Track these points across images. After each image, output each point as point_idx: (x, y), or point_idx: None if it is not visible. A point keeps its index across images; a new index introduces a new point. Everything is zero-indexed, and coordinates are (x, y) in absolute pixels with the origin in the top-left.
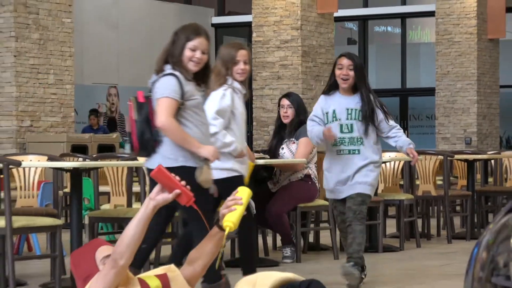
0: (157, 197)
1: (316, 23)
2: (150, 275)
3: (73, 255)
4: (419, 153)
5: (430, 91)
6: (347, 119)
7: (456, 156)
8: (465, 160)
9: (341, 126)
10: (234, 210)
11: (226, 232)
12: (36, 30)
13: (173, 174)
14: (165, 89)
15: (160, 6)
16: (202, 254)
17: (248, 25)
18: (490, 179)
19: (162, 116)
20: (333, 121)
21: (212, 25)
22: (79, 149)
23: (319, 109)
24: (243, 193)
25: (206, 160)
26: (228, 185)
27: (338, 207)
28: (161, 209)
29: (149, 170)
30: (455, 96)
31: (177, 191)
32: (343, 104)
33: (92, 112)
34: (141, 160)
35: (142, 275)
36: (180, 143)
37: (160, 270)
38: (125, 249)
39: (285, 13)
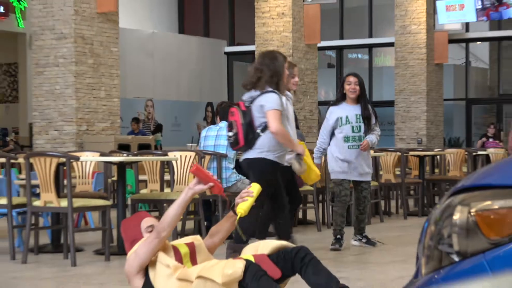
0: (195, 187)
1: (304, 51)
2: (181, 243)
3: (123, 223)
4: (383, 150)
5: (390, 103)
6: (356, 122)
7: (411, 153)
8: (417, 156)
9: (352, 127)
10: (246, 200)
11: (238, 217)
12: (91, 57)
13: (208, 171)
14: (273, 103)
15: (185, 38)
16: (221, 230)
17: (252, 53)
18: (436, 170)
19: (275, 124)
20: (346, 124)
21: (225, 53)
22: (123, 147)
23: (334, 117)
24: (255, 188)
25: (299, 155)
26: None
27: (344, 184)
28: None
29: (247, 160)
30: (410, 107)
31: (211, 183)
32: (352, 111)
33: (134, 119)
34: (170, 155)
35: (174, 242)
36: (285, 143)
37: (188, 238)
38: (167, 225)
39: (280, 44)
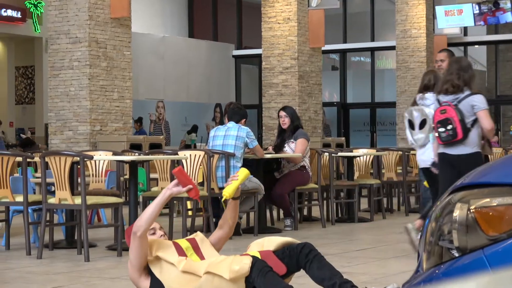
0: (173, 189)
1: (309, 54)
2: (182, 239)
3: (127, 230)
4: (385, 150)
5: (392, 104)
6: None
7: (412, 152)
8: None
9: None
10: (231, 184)
11: (223, 199)
12: (104, 60)
13: (187, 175)
14: (483, 103)
15: (195, 42)
16: (226, 220)
17: (259, 56)
18: None
19: (489, 122)
20: None
21: (233, 56)
22: (135, 147)
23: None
24: (241, 173)
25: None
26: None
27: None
28: None
29: (464, 156)
30: None
31: (190, 186)
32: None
33: (136, 120)
34: (180, 154)
35: (176, 240)
36: (490, 138)
37: (189, 236)
38: (144, 222)
39: (286, 47)
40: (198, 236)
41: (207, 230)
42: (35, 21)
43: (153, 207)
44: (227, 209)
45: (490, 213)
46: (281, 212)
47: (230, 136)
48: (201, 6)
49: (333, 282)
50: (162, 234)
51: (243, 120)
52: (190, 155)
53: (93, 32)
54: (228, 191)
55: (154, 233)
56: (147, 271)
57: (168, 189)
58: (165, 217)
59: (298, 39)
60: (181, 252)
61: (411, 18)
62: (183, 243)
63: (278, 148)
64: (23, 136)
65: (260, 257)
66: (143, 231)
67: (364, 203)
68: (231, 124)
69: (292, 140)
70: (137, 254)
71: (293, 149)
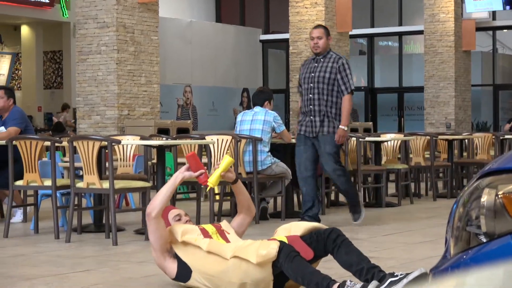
0: (184, 173)
1: (336, 39)
2: (208, 224)
3: None
4: (413, 134)
5: (420, 89)
6: None
7: (440, 137)
8: (446, 140)
9: None
10: (213, 172)
11: (208, 188)
12: (132, 45)
13: (200, 162)
14: None
15: (222, 27)
16: (240, 205)
17: (286, 40)
18: (465, 154)
19: None
20: None
21: (260, 41)
22: (163, 131)
23: None
24: (224, 160)
25: None
26: None
27: None
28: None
29: None
30: (439, 93)
31: (202, 170)
32: None
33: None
34: (208, 139)
35: (202, 225)
36: None
37: (215, 223)
38: (157, 204)
39: None
40: (224, 222)
41: (235, 214)
42: (63, 6)
43: (166, 189)
44: (235, 195)
45: None
46: None
47: (257, 120)
48: None
49: (360, 267)
50: (187, 220)
51: (267, 102)
52: (218, 139)
53: (120, 17)
54: (211, 181)
55: (179, 219)
56: (173, 255)
57: (180, 173)
58: (193, 202)
59: (325, 24)
60: (206, 235)
61: (439, 2)
62: (209, 227)
63: None
64: (55, 119)
65: (287, 242)
66: (157, 212)
67: (391, 188)
68: (258, 108)
69: None
70: (156, 236)
71: None
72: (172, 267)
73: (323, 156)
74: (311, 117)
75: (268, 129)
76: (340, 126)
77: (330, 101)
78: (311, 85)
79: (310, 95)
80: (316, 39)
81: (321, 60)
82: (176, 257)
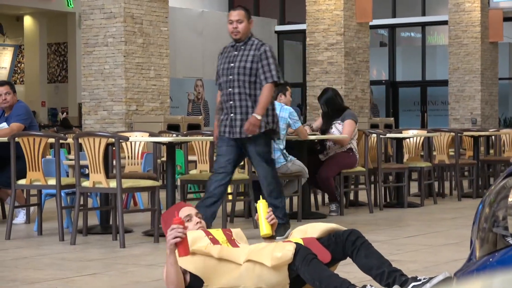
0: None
1: (356, 30)
2: (219, 230)
3: (163, 216)
4: (436, 131)
5: (444, 83)
6: None
7: (465, 133)
8: (472, 136)
9: None
10: (262, 223)
11: (265, 237)
12: (140, 36)
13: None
14: None
15: None
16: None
17: (303, 32)
18: (491, 151)
19: None
20: None
21: (275, 32)
22: (173, 128)
23: None
24: (259, 208)
25: None
26: None
27: None
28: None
29: None
30: (464, 86)
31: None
32: None
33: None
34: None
35: (212, 230)
36: None
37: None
38: (174, 282)
39: (331, 22)
40: (236, 231)
41: (248, 215)
42: None
43: (169, 268)
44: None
45: None
46: (326, 196)
47: None
48: None
49: (381, 270)
50: (198, 221)
51: (282, 95)
52: None
53: (128, 7)
54: (266, 231)
55: (189, 220)
56: (183, 269)
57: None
58: None
59: (344, 14)
60: (216, 244)
61: None
62: (220, 236)
63: (325, 129)
64: (62, 115)
65: (303, 244)
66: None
67: (414, 187)
68: (275, 104)
69: (339, 121)
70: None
71: (340, 130)
72: (184, 280)
73: (254, 159)
74: (232, 115)
75: (283, 126)
76: (254, 114)
77: (253, 95)
78: (231, 77)
79: (230, 89)
80: (235, 22)
81: (242, 47)
82: (186, 271)
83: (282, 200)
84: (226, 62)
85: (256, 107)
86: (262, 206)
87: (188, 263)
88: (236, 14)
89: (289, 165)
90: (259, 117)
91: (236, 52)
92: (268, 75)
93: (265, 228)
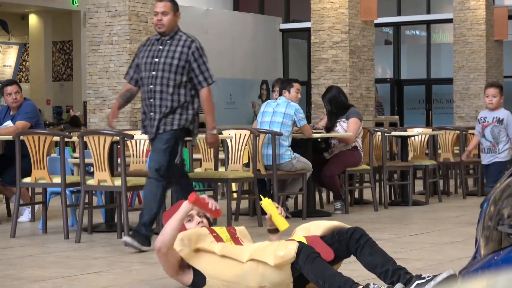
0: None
1: (360, 28)
2: (222, 228)
3: (165, 214)
4: (441, 129)
5: (449, 81)
6: None
7: (470, 131)
8: None
9: None
10: (275, 219)
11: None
12: (145, 35)
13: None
14: None
15: (240, 15)
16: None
17: (307, 30)
18: None
19: None
20: None
21: (280, 30)
22: None
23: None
24: (265, 206)
25: None
26: None
27: None
28: None
29: None
30: (469, 85)
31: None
32: None
33: None
34: (225, 133)
35: (216, 227)
36: None
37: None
38: (167, 241)
39: (336, 21)
40: (240, 229)
41: (253, 213)
42: None
43: (175, 221)
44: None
45: None
46: (331, 194)
47: (278, 113)
48: None
49: (385, 268)
50: (199, 221)
51: (286, 92)
52: (235, 134)
53: (133, 5)
54: (283, 226)
55: (190, 220)
56: (187, 265)
57: (188, 204)
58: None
59: (349, 12)
60: (220, 241)
61: None
62: (223, 234)
63: (330, 127)
64: (72, 113)
65: (306, 243)
66: (167, 248)
67: (418, 185)
68: (281, 100)
69: (344, 119)
70: (168, 264)
71: (345, 128)
72: (188, 277)
73: (154, 152)
74: (151, 114)
75: (288, 123)
76: (209, 132)
77: (176, 93)
78: (153, 73)
79: (151, 86)
80: (160, 14)
81: (168, 42)
82: (190, 266)
83: (157, 208)
84: (150, 57)
85: (207, 122)
86: (268, 204)
87: (192, 260)
88: (162, 6)
89: (294, 162)
90: (214, 132)
91: (161, 47)
92: (203, 77)
93: (281, 223)
